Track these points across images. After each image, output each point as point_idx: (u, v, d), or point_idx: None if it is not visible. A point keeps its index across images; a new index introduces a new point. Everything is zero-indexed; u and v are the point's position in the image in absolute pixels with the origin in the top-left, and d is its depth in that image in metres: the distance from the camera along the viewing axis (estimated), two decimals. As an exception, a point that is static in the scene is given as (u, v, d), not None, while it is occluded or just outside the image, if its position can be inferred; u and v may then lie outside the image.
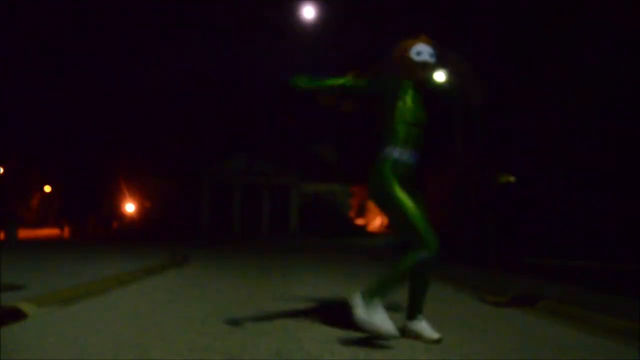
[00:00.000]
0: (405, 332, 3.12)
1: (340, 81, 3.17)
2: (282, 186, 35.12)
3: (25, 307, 3.76)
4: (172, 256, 9.04)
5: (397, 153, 3.07)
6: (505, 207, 10.57)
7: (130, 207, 35.65)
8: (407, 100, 3.11)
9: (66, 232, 27.46)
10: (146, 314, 3.84)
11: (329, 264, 8.79)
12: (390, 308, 3.25)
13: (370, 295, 2.89)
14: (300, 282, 5.29)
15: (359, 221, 37.02)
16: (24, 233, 22.81)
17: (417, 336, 3.09)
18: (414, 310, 3.15)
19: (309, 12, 15.77)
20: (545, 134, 12.53)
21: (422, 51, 3.18)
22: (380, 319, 2.83)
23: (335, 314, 4.04)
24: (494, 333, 3.40)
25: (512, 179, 10.11)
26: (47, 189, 38.13)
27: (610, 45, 10.98)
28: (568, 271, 7.53)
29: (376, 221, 37.66)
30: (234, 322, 3.55)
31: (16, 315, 3.58)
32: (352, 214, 35.60)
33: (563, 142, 12.10)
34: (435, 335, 3.05)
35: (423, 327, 3.10)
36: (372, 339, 3.12)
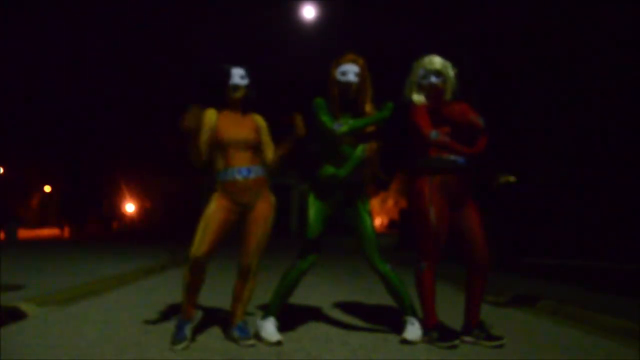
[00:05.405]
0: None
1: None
2: (282, 186, 35.16)
3: (25, 307, 3.76)
4: (172, 256, 9.04)
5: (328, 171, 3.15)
6: (505, 207, 10.56)
7: (130, 207, 35.66)
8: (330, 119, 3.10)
9: (66, 232, 27.46)
10: (146, 314, 3.84)
11: (329, 263, 8.79)
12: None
13: (267, 309, 3.19)
14: (300, 281, 5.29)
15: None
16: (24, 233, 22.83)
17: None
18: (401, 311, 3.17)
19: (309, 12, 15.76)
20: (545, 134, 12.53)
21: (347, 71, 3.11)
22: (265, 327, 3.06)
23: (335, 313, 4.05)
24: (494, 333, 3.40)
25: (512, 179, 10.10)
26: (47, 189, 38.13)
27: (613, 46, 11.00)
28: (568, 271, 7.53)
29: (376, 221, 37.68)
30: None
31: (16, 315, 3.58)
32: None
33: (564, 142, 12.10)
34: (406, 335, 3.04)
35: (405, 327, 3.09)
36: (372, 340, 3.13)
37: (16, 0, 28.93)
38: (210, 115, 3.06)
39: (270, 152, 3.18)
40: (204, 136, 3.04)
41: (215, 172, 3.08)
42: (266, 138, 3.18)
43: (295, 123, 3.12)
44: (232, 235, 3.08)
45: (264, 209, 3.09)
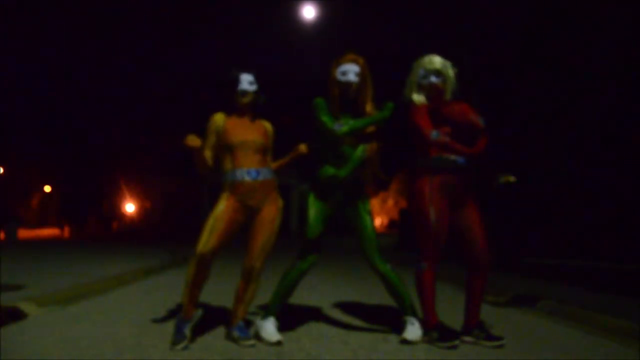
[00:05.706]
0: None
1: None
2: (282, 186, 35.07)
3: (25, 307, 3.76)
4: (172, 256, 9.04)
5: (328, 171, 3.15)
6: (505, 207, 10.56)
7: (130, 207, 35.65)
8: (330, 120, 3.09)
9: (66, 232, 27.48)
10: (146, 314, 3.84)
11: (329, 264, 8.79)
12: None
13: (267, 309, 3.19)
14: (300, 281, 5.29)
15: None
16: (24, 233, 22.84)
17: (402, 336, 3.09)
18: (401, 311, 3.17)
19: (309, 12, 15.76)
20: (545, 134, 12.53)
21: (347, 70, 3.10)
22: (265, 328, 3.07)
23: (335, 313, 4.05)
24: (494, 333, 3.40)
25: (512, 179, 10.11)
26: (47, 189, 38.14)
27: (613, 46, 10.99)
28: (568, 271, 7.53)
29: (376, 221, 37.63)
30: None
31: (16, 315, 3.58)
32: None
33: (564, 142, 12.10)
34: (406, 335, 3.04)
35: (405, 327, 3.09)
36: (372, 340, 3.13)
37: (16, 0, 28.94)
38: (218, 119, 3.08)
39: (270, 159, 3.24)
40: (211, 140, 3.06)
41: (223, 173, 3.08)
42: (270, 144, 3.22)
43: (300, 150, 3.22)
44: (237, 237, 3.09)
45: (270, 211, 3.10)
